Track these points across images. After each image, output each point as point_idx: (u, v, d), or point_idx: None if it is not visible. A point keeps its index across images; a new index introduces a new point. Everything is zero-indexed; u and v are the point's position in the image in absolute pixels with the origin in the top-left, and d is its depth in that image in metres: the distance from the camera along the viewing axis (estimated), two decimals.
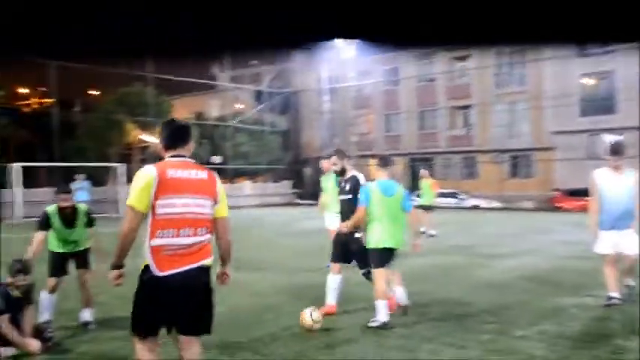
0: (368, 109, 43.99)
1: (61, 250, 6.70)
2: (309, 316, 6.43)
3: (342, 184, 7.29)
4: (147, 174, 3.81)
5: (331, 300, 7.12)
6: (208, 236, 3.99)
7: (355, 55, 39.63)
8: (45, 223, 6.55)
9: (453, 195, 34.08)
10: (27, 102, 45.28)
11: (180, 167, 3.90)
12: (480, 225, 21.14)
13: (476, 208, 32.17)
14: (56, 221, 6.57)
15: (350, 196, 7.09)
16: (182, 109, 43.81)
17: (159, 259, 3.78)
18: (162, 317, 3.88)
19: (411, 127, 41.69)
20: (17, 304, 5.83)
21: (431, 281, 9.36)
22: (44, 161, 31.66)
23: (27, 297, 5.94)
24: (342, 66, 40.80)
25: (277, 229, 20.08)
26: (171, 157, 3.98)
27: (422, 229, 15.62)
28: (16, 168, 26.25)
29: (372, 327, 6.45)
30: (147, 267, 3.80)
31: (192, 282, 3.85)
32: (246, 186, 39.28)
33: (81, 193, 25.61)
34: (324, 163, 9.93)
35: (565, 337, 6.03)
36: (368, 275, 6.97)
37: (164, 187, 3.78)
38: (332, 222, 10.66)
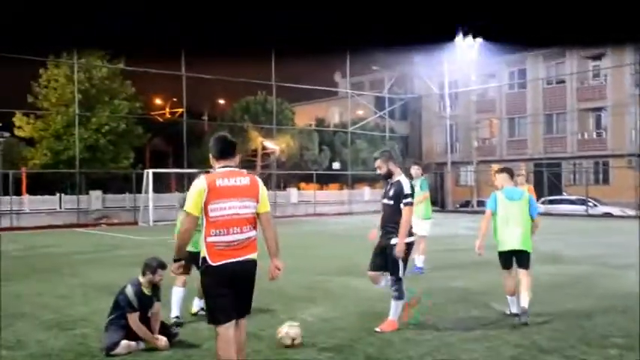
0: (491, 113, 42.66)
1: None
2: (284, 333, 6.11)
3: (387, 187, 6.92)
4: (199, 185, 4.49)
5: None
6: (254, 232, 4.59)
7: (478, 58, 38.64)
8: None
9: (581, 202, 32.27)
10: (161, 112, 48.18)
11: (227, 176, 4.55)
12: (612, 234, 19.84)
13: (608, 215, 30.21)
14: None
15: (392, 202, 6.75)
16: (304, 116, 44.78)
17: (212, 253, 4.44)
18: (221, 300, 4.49)
19: (537, 131, 39.92)
20: (148, 302, 6.18)
21: (556, 290, 8.94)
22: (175, 168, 33.60)
23: (156, 294, 6.29)
24: (465, 69, 39.90)
25: None
26: (220, 167, 4.66)
27: None
28: (147, 174, 28.04)
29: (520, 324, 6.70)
30: (204, 258, 4.47)
31: (239, 272, 4.49)
32: (365, 192, 39.44)
33: None
34: (413, 169, 10.87)
35: None
36: (395, 282, 6.70)
37: (214, 194, 4.44)
38: (417, 228, 10.84)
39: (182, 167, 31.63)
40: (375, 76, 49.52)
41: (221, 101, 51.18)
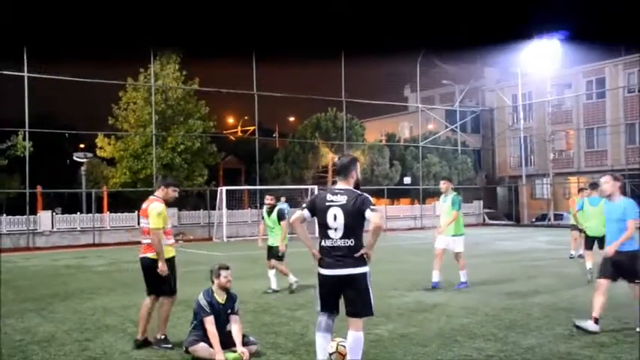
0: (567, 124, 41.26)
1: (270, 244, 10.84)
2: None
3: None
4: None
5: None
6: (148, 240, 6.81)
7: (554, 68, 37.59)
8: (262, 216, 11.09)
9: None
10: (233, 130, 49.28)
11: (146, 202, 6.96)
12: None
13: None
14: (265, 214, 10.95)
15: None
16: (374, 131, 44.68)
17: None
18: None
19: (618, 141, 38.26)
20: (221, 309, 6.35)
21: None
22: (247, 185, 34.18)
23: (231, 306, 6.43)
24: (539, 81, 38.90)
25: (468, 250, 19.56)
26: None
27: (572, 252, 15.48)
28: (221, 191, 28.68)
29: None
30: None
31: (142, 265, 6.92)
32: (437, 206, 38.87)
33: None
34: (443, 185, 11.28)
35: None
36: None
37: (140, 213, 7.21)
38: (439, 242, 11.04)
39: (254, 184, 32.13)
40: (445, 89, 48.96)
41: (291, 118, 51.96)
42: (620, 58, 36.50)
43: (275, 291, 10.63)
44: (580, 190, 13.63)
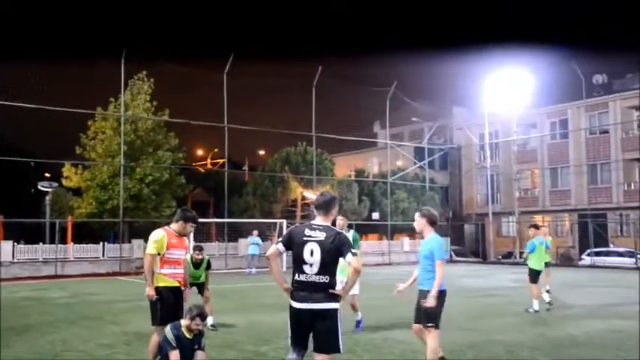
0: (533, 163, 42.19)
1: (192, 282, 9.83)
2: None
3: None
4: None
5: None
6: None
7: (520, 108, 38.54)
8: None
9: (630, 254, 31.30)
10: (203, 162, 49.08)
11: None
12: None
13: None
14: (190, 265, 10.26)
15: None
16: (343, 166, 44.97)
17: None
18: None
19: (581, 181, 39.17)
20: (188, 345, 6.28)
21: (606, 347, 8.63)
22: (216, 217, 33.95)
23: (198, 342, 6.38)
24: (506, 120, 39.78)
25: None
26: None
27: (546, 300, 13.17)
28: None
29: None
30: None
31: None
32: (405, 242, 39.09)
33: (253, 247, 27.29)
34: (340, 221, 9.96)
35: None
36: None
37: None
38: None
39: (222, 217, 31.94)
40: (414, 126, 49.70)
41: (261, 152, 52.02)
42: (581, 101, 37.56)
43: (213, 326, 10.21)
44: (531, 226, 14.02)
